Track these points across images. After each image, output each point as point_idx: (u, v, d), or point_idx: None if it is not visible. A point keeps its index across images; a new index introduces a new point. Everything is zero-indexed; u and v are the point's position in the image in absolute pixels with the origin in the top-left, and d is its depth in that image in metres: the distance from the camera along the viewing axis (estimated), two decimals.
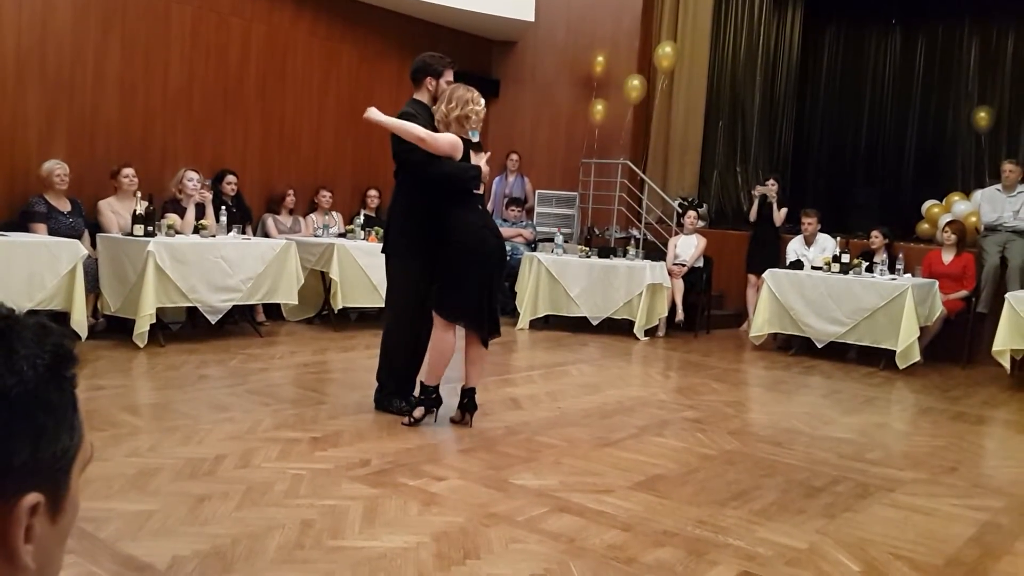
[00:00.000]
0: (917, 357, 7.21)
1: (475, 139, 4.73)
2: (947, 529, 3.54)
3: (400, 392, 4.90)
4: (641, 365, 7.38)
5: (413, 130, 4.55)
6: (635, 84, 10.13)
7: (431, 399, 4.69)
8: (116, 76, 7.51)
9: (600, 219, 10.44)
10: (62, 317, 5.88)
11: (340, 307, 7.59)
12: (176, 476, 3.59)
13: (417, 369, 4.95)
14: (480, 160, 4.70)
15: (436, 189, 4.64)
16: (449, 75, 4.92)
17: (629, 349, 7.92)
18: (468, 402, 4.75)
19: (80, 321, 6.05)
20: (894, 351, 7.21)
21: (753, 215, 9.32)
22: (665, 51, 10.11)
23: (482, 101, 4.72)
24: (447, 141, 4.57)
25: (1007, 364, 6.85)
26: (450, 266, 4.58)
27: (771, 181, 9.27)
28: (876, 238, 8.32)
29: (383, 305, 7.84)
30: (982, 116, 10.55)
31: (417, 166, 4.66)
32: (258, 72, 8.61)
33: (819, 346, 7.67)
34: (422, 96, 4.93)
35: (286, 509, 3.29)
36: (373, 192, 9.26)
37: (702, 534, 3.31)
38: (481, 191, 4.75)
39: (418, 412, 4.67)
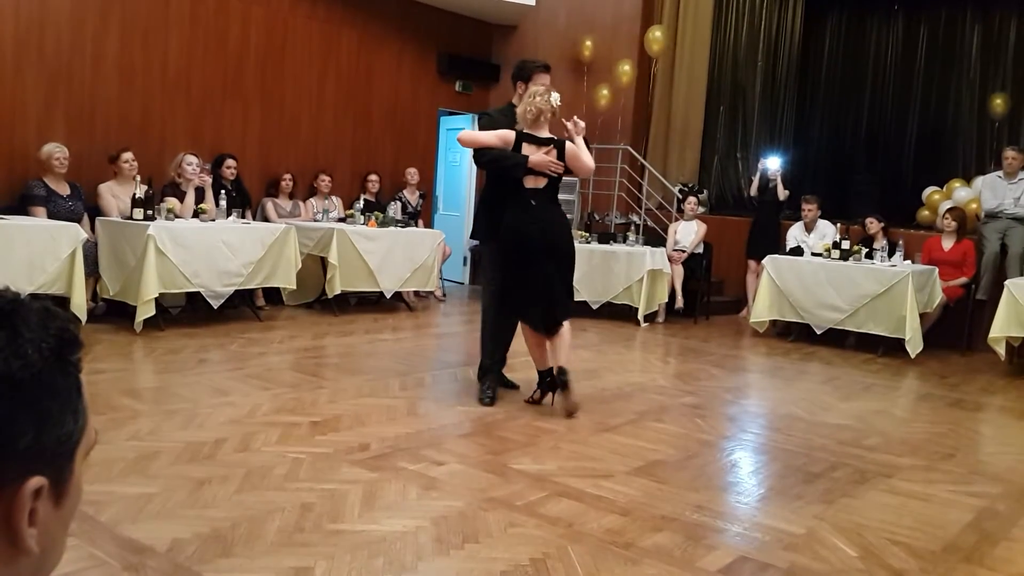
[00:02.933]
0: (921, 345, 7.21)
1: (541, 135, 4.77)
2: (944, 515, 3.56)
3: (492, 370, 5.14)
4: (640, 351, 7.39)
5: (477, 137, 4.95)
6: (625, 69, 10.09)
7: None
8: (115, 60, 7.49)
9: (600, 205, 10.43)
10: (62, 301, 5.88)
11: (337, 292, 7.63)
12: (176, 460, 3.61)
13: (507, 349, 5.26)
14: (535, 153, 4.73)
15: (495, 182, 4.99)
16: (540, 78, 5.08)
17: (628, 335, 7.94)
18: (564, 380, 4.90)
19: (80, 305, 6.06)
20: (893, 338, 7.23)
21: (754, 190, 9.32)
22: (655, 35, 10.05)
23: (544, 97, 4.76)
24: (492, 134, 4.83)
25: (1002, 352, 6.86)
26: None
27: (774, 158, 9.31)
28: (871, 224, 8.32)
29: (380, 289, 7.96)
30: (998, 103, 10.49)
31: (474, 156, 5.09)
32: (257, 56, 8.58)
33: (818, 332, 7.68)
34: (516, 99, 5.14)
35: (286, 493, 3.31)
36: (373, 177, 9.26)
37: (700, 519, 3.32)
38: (539, 184, 4.79)
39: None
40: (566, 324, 4.84)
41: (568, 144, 4.82)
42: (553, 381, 4.84)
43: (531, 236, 4.74)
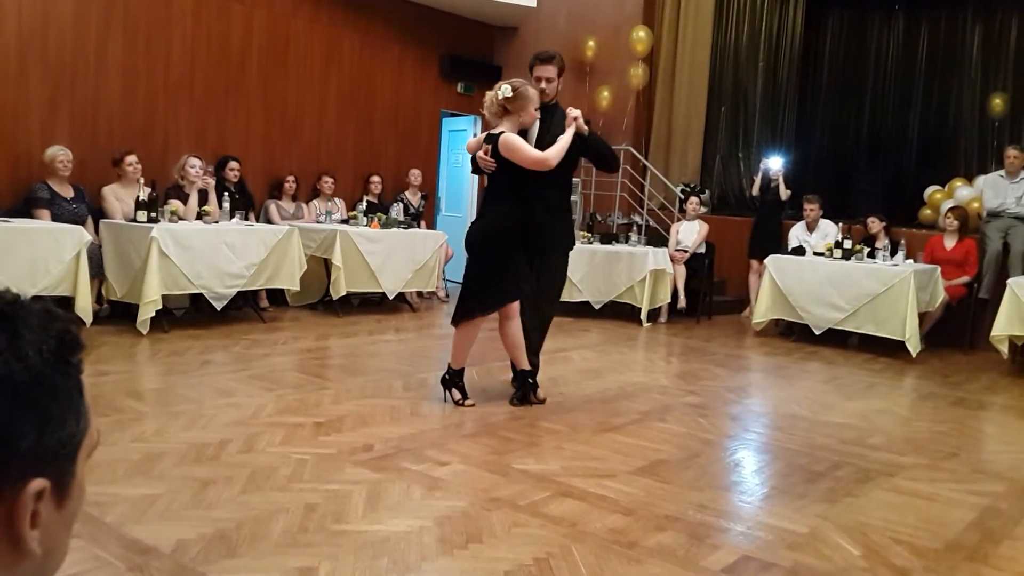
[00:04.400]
0: (919, 345, 7.20)
1: (495, 131, 4.75)
2: (947, 514, 3.56)
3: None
4: (643, 351, 7.39)
5: (469, 144, 5.13)
6: (638, 72, 10.10)
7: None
8: (118, 62, 7.51)
9: (602, 205, 10.43)
10: (66, 303, 5.91)
11: (341, 294, 7.65)
12: (180, 461, 3.62)
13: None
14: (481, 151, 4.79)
15: None
16: (539, 69, 4.98)
17: (631, 335, 7.94)
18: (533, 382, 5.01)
19: (84, 307, 6.08)
20: (895, 338, 7.22)
21: (756, 190, 9.31)
22: (639, 35, 10.05)
23: (491, 93, 4.69)
24: (472, 140, 5.04)
25: (1005, 350, 6.86)
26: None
27: (776, 158, 9.32)
28: (873, 224, 8.31)
29: (383, 291, 7.97)
30: (997, 103, 10.49)
31: None
32: (260, 58, 8.60)
33: (817, 333, 7.66)
34: None
35: (290, 493, 3.31)
36: (375, 178, 9.27)
37: (703, 518, 3.32)
38: (484, 183, 4.86)
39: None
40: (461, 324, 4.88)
41: (503, 137, 4.60)
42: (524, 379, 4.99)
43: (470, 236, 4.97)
